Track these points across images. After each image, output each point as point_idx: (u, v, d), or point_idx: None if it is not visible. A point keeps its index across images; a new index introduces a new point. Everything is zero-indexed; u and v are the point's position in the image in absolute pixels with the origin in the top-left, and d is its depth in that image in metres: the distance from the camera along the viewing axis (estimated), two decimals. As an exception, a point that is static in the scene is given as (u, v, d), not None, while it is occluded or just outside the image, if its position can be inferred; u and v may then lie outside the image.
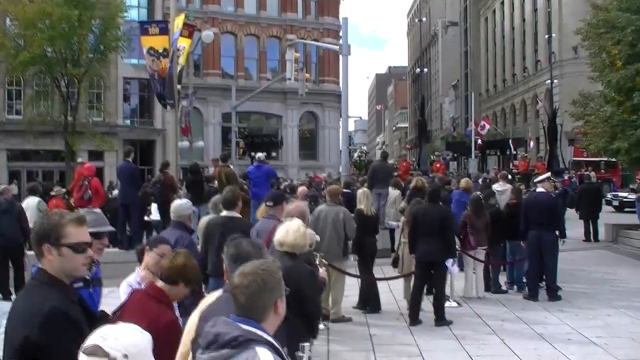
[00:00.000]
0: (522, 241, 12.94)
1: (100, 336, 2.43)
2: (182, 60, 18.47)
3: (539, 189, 13.10)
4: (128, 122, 45.45)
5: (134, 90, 46.15)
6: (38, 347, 3.02)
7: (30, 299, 3.23)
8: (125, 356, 2.38)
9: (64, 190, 16.57)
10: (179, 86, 19.31)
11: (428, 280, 10.98)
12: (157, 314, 4.19)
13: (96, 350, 2.39)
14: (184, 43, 17.94)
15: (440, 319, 10.56)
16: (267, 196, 8.64)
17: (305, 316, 5.15)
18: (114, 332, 2.44)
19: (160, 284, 4.52)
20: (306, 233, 5.61)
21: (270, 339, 2.95)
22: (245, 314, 2.97)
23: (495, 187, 16.26)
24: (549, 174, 14.59)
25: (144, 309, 4.27)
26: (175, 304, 4.90)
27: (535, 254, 12.62)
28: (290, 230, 5.57)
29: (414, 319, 10.65)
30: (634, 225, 23.32)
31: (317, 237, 9.35)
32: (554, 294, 12.44)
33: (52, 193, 15.70)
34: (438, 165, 29.11)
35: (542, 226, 12.53)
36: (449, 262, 10.68)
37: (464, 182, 16.54)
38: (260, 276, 3.00)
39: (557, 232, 12.85)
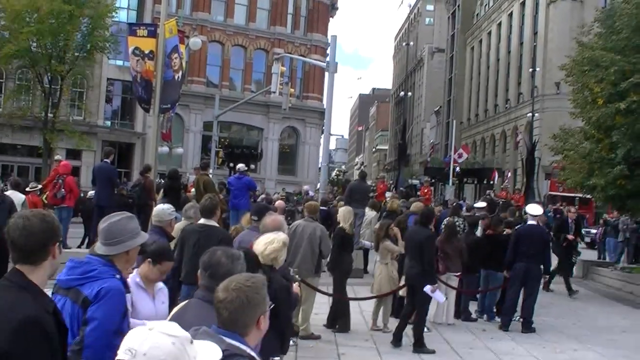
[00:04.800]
0: (507, 271, 12.96)
1: (128, 349, 2.29)
2: (183, 64, 18.43)
3: (531, 221, 13.12)
4: (108, 123, 45.25)
5: (117, 91, 46.01)
6: (6, 357, 2.82)
7: (2, 303, 2.98)
8: None
9: (39, 186, 16.37)
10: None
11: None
12: None
13: None
14: (181, 49, 17.91)
15: (419, 345, 10.45)
16: (253, 209, 8.57)
17: (277, 331, 5.11)
18: (142, 346, 2.28)
19: None
20: (280, 247, 5.58)
21: (253, 354, 2.95)
22: (228, 327, 2.96)
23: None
24: (542, 210, 14.56)
25: None
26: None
27: (518, 286, 12.69)
28: (262, 241, 5.57)
29: (396, 340, 10.64)
30: (604, 262, 23.59)
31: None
32: (529, 326, 12.49)
33: (28, 189, 15.48)
34: (426, 190, 29.09)
35: (531, 258, 12.59)
36: (428, 289, 10.50)
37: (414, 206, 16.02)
38: (245, 292, 2.97)
39: (542, 267, 12.93)
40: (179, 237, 8.44)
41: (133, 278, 5.36)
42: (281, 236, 5.69)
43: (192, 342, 2.40)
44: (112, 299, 3.80)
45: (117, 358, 2.31)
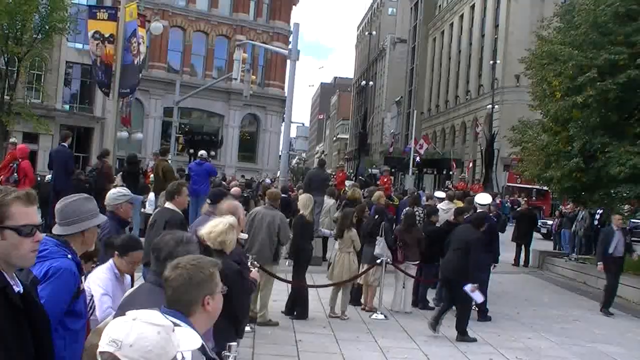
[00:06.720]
0: None
1: (113, 341, 2.26)
2: (143, 49, 18.25)
3: (480, 211, 13.26)
4: (67, 107, 44.62)
5: (76, 75, 45.35)
6: None
7: None
8: None
9: (-7, 170, 16.07)
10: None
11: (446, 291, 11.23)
12: None
13: None
14: (141, 33, 17.71)
15: (461, 333, 10.86)
16: (209, 194, 8.56)
17: (231, 315, 5.10)
18: (128, 337, 2.26)
19: None
20: (225, 229, 5.53)
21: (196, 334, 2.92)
22: (172, 306, 2.95)
23: (441, 206, 16.17)
24: (490, 199, 14.80)
25: None
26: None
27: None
28: (208, 225, 5.55)
29: (432, 326, 10.97)
30: (559, 253, 24.00)
31: (244, 235, 9.31)
32: (484, 315, 12.65)
33: (-20, 173, 15.20)
34: (385, 179, 29.09)
35: None
36: (468, 288, 10.67)
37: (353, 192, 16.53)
38: (188, 270, 2.97)
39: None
40: (151, 220, 8.44)
41: (112, 268, 5.41)
42: (228, 219, 5.65)
43: (174, 330, 2.39)
44: (60, 278, 3.70)
45: (100, 350, 2.28)
